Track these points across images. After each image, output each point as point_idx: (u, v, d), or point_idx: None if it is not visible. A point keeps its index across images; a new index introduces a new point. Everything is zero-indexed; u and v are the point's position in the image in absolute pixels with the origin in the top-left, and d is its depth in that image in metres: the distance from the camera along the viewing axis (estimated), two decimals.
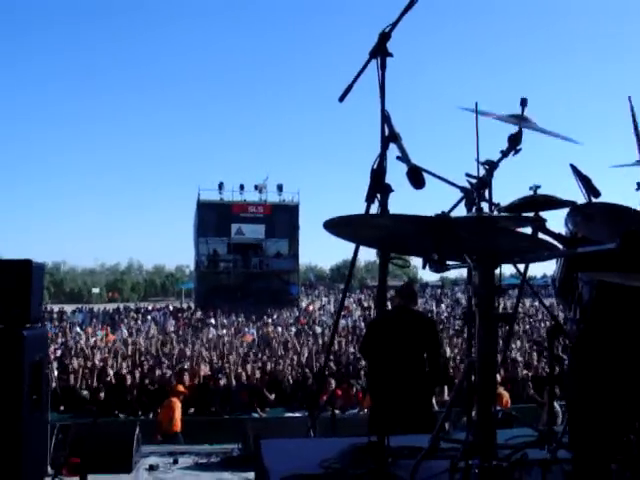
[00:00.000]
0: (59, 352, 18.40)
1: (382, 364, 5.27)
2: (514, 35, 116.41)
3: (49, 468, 5.78)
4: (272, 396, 12.40)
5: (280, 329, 28.26)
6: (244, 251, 41.86)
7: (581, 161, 3.30)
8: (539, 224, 2.76)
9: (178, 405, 10.22)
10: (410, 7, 2.69)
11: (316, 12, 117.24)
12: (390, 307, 6.04)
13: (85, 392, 12.35)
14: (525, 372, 13.71)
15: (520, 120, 3.16)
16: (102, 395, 12.01)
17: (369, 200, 2.56)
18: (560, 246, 2.74)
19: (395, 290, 6.45)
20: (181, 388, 10.76)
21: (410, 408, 5.55)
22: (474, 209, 2.80)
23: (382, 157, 2.61)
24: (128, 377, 13.10)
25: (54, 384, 12.34)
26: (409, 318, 6.02)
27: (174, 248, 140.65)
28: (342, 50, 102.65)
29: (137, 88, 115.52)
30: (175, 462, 6.47)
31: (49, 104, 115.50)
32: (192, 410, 11.39)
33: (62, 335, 25.55)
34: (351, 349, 17.74)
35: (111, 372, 13.75)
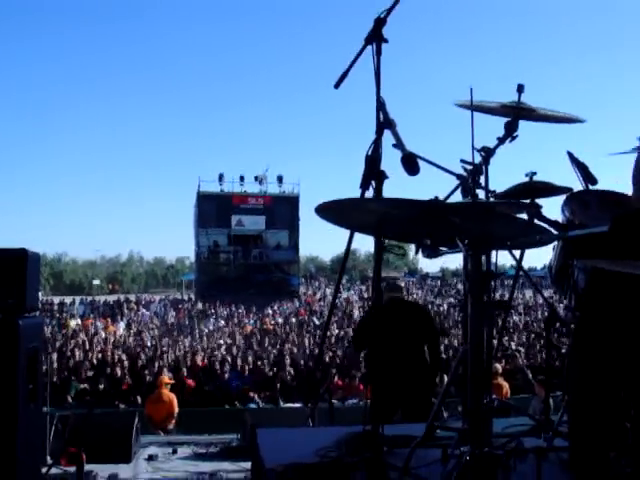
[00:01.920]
0: (59, 343, 18.41)
1: (379, 355, 5.28)
2: (511, 17, 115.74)
3: (48, 458, 5.80)
4: (272, 387, 12.41)
5: (281, 320, 28.29)
6: (244, 242, 41.82)
7: (578, 148, 3.29)
8: (535, 210, 2.74)
9: (171, 398, 10.15)
10: None
11: (313, 4, 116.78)
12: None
13: (84, 383, 12.36)
14: (525, 362, 13.73)
15: (516, 110, 3.13)
16: (101, 386, 12.03)
17: (364, 186, 2.54)
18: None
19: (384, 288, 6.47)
20: (166, 379, 10.68)
21: (412, 398, 5.56)
22: (470, 196, 2.78)
23: (377, 143, 2.59)
24: (127, 368, 13.13)
25: (55, 376, 12.38)
26: (403, 308, 6.05)
27: (174, 240, 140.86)
28: (339, 39, 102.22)
29: (138, 81, 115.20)
30: (174, 452, 6.47)
31: (50, 95, 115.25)
32: (192, 401, 11.38)
33: (62, 326, 25.61)
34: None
35: (110, 363, 13.78)
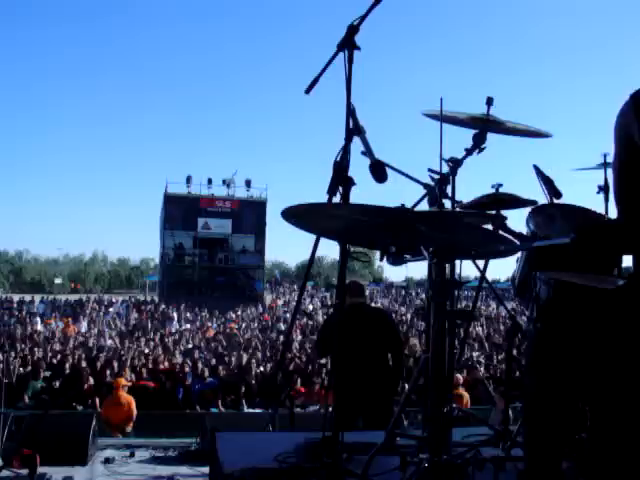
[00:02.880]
0: (19, 343, 18.09)
1: (341, 361, 5.25)
2: (481, 25, 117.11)
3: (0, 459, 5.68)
4: (236, 391, 12.33)
5: (244, 325, 28.17)
6: (210, 246, 41.61)
7: (544, 162, 3.33)
8: (500, 222, 2.77)
9: (129, 400, 10.03)
10: (379, 1, 2.68)
11: (285, 10, 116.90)
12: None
13: (41, 383, 12.14)
14: (485, 373, 13.87)
15: (485, 122, 3.17)
16: (58, 386, 11.83)
17: (331, 192, 2.54)
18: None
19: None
20: (123, 381, 10.56)
21: (373, 405, 5.54)
22: (436, 205, 2.80)
23: (345, 150, 2.60)
24: (86, 369, 12.94)
25: (13, 375, 12.15)
26: (365, 314, 5.97)
27: (140, 240, 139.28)
28: (311, 44, 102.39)
29: (106, 81, 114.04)
30: (132, 455, 6.39)
31: (16, 92, 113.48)
32: (152, 403, 11.25)
33: (21, 325, 25.15)
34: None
35: (68, 364, 13.56)
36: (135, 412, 9.93)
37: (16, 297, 38.02)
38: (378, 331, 5.83)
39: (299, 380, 12.60)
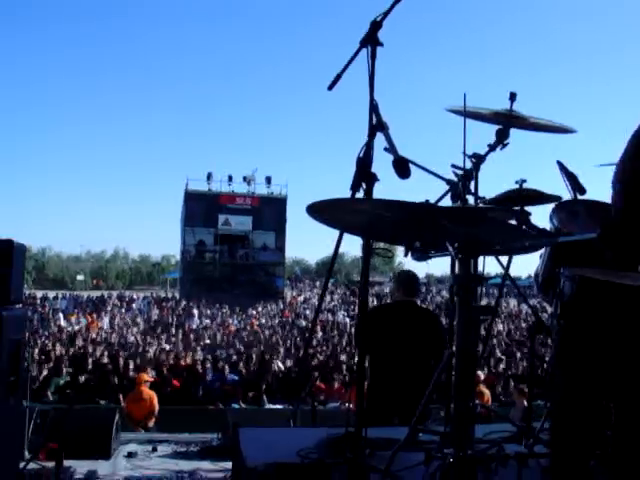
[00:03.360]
0: (41, 338, 18.30)
1: (383, 359, 5.15)
2: (505, 22, 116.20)
3: (26, 452, 5.75)
4: (257, 387, 12.37)
5: (264, 321, 28.27)
6: (231, 242, 41.75)
7: (568, 158, 3.31)
8: (524, 218, 2.76)
9: (152, 396, 10.11)
10: None
11: (308, 7, 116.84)
12: (391, 300, 5.72)
13: (65, 379, 12.27)
14: (507, 371, 13.80)
15: (508, 118, 3.15)
16: (82, 382, 11.96)
17: (354, 189, 2.55)
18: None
19: (394, 280, 6.08)
20: (146, 377, 10.65)
21: (410, 406, 5.35)
22: (459, 201, 2.79)
23: (369, 146, 2.60)
24: (109, 365, 13.06)
25: (35, 370, 12.29)
26: (416, 314, 5.65)
27: (161, 237, 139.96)
28: (333, 40, 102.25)
29: (129, 78, 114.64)
30: (154, 450, 6.44)
31: (39, 89, 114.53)
32: (174, 399, 11.33)
33: (45, 321, 25.45)
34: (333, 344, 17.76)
35: (92, 359, 13.71)
36: (157, 407, 10.02)
37: (39, 293, 38.41)
38: (426, 334, 5.50)
39: (318, 376, 12.62)
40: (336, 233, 3.17)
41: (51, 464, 5.24)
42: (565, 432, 2.58)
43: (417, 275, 5.97)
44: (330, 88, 2.86)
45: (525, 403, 8.64)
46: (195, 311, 31.10)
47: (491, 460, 2.39)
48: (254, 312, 32.08)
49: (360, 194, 2.55)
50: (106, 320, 27.95)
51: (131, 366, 12.63)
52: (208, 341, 20.01)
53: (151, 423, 9.84)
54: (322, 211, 2.31)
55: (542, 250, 3.19)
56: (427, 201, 2.27)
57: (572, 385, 2.57)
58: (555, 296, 2.81)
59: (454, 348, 2.35)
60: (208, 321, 28.56)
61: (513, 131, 3.16)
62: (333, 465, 2.88)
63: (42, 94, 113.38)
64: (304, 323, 26.72)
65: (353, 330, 15.33)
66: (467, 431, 2.33)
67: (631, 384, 2.47)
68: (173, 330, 23.14)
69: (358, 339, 5.99)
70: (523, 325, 25.73)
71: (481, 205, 2.86)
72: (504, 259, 3.38)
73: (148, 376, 10.88)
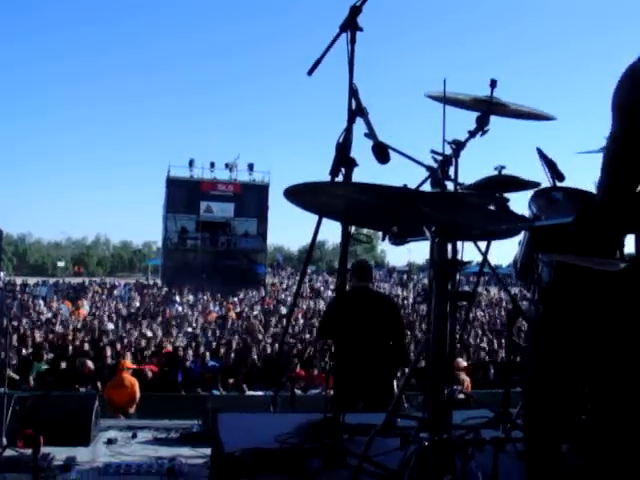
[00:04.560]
0: (21, 325, 18.15)
1: (343, 345, 5.24)
2: (485, 6, 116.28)
3: (4, 439, 5.71)
4: (237, 374, 12.38)
5: (246, 308, 28.23)
6: (212, 229, 41.62)
7: (547, 145, 3.32)
8: (502, 204, 2.76)
9: (133, 382, 10.08)
10: None
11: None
12: (348, 288, 5.93)
13: (44, 365, 12.20)
14: (487, 358, 13.91)
15: (488, 105, 3.16)
16: (61, 368, 11.90)
17: (333, 173, 2.55)
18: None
19: (350, 270, 6.36)
20: (128, 363, 10.62)
21: (373, 391, 5.55)
22: (439, 187, 2.79)
23: (348, 131, 2.60)
24: (89, 351, 13.00)
25: (15, 358, 12.20)
26: (369, 298, 5.96)
27: (142, 224, 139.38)
28: (313, 25, 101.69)
29: (110, 61, 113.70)
30: (134, 436, 6.41)
31: (17, 75, 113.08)
32: (154, 386, 11.31)
33: (24, 308, 25.23)
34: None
35: (72, 346, 13.63)
36: (138, 394, 9.99)
37: (19, 280, 38.08)
38: (381, 316, 5.83)
39: (299, 363, 12.65)
40: (316, 219, 3.16)
41: (29, 451, 5.21)
42: (536, 416, 2.60)
43: (369, 262, 7.10)
44: (310, 73, 2.85)
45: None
46: (177, 298, 31.00)
47: (468, 445, 2.40)
48: (235, 299, 32.00)
49: (339, 179, 2.54)
50: (86, 307, 27.77)
51: (110, 353, 12.57)
52: (189, 329, 19.96)
53: (132, 410, 9.80)
54: (300, 195, 2.30)
55: (521, 236, 3.21)
56: (405, 186, 2.26)
57: (545, 370, 2.58)
58: (533, 282, 2.82)
59: (431, 332, 2.36)
60: (189, 308, 28.47)
61: (493, 118, 3.16)
62: (311, 450, 2.88)
63: (21, 79, 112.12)
64: (285, 310, 26.71)
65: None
66: (444, 416, 2.34)
67: (606, 370, 2.49)
68: (154, 317, 23.04)
69: (325, 327, 6.15)
70: (503, 313, 25.91)
71: (459, 190, 2.87)
72: (483, 245, 3.39)
73: (129, 363, 10.84)
